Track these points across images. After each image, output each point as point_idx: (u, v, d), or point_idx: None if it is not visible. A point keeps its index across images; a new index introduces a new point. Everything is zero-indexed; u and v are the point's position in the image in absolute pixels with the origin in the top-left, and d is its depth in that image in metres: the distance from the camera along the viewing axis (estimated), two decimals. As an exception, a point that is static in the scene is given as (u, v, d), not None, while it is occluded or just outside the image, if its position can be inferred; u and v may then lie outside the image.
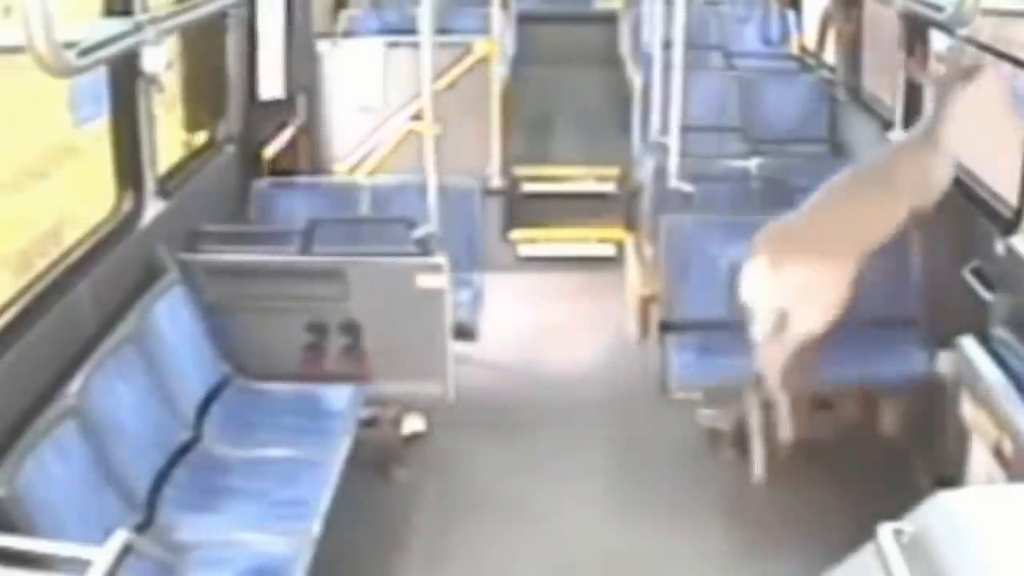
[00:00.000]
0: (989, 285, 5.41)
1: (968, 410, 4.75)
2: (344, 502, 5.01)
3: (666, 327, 6.30)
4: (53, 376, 4.48)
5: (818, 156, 8.35)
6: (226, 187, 6.84)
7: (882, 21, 7.71)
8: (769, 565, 5.56)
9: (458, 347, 6.16)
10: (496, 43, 8.94)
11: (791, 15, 10.28)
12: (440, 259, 5.85)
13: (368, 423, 6.01)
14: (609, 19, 12.07)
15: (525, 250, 9.24)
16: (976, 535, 2.88)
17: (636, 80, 8.83)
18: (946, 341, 5.29)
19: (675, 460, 6.45)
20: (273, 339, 5.83)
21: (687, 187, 6.93)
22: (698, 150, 7.45)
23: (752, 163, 7.63)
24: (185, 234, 5.84)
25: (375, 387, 5.87)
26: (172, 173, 6.18)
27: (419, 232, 5.98)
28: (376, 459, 6.13)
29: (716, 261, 6.28)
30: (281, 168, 7.62)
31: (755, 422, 6.05)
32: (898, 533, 2.99)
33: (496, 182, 8.80)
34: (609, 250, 9.09)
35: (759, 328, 5.73)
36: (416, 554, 5.70)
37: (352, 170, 8.64)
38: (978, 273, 5.53)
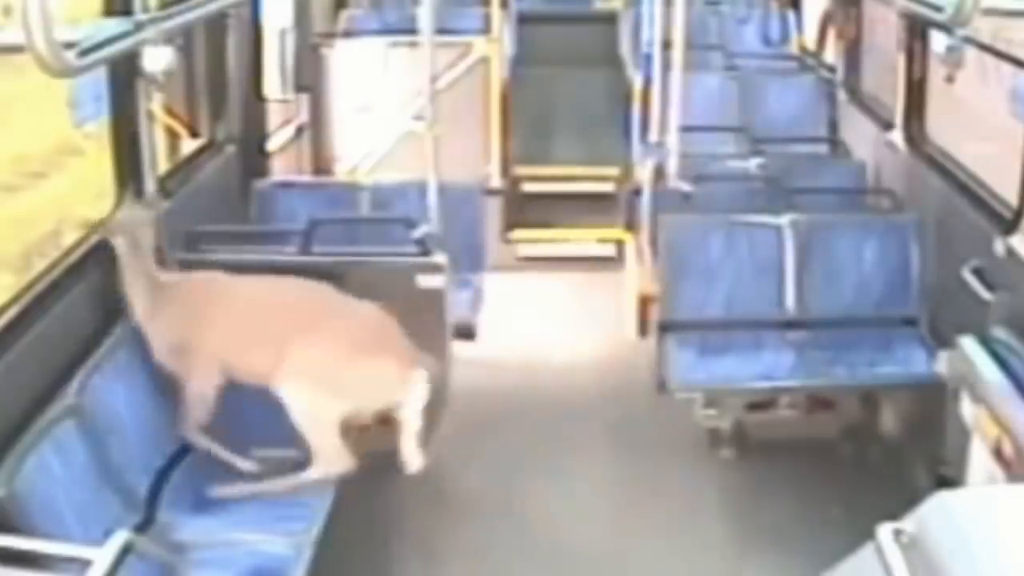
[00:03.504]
0: (989, 285, 5.41)
1: (968, 410, 4.75)
2: (344, 502, 5.01)
3: (666, 327, 6.29)
4: (53, 376, 4.48)
5: (818, 156, 8.35)
6: (226, 187, 6.83)
7: (882, 21, 7.71)
8: (769, 565, 5.56)
9: (458, 347, 6.15)
10: (496, 43, 8.94)
11: (791, 15, 10.27)
12: (440, 259, 5.84)
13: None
14: (609, 19, 12.03)
15: (525, 250, 9.23)
16: (976, 535, 2.88)
17: (636, 80, 8.82)
18: (946, 341, 5.29)
19: (674, 460, 6.45)
20: None
21: (687, 187, 6.94)
22: (698, 150, 7.44)
23: (752, 163, 7.63)
24: (185, 234, 5.84)
25: None
26: (172, 173, 6.18)
27: (419, 232, 5.98)
28: (376, 459, 6.12)
29: (716, 261, 6.29)
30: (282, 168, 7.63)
31: None
32: (898, 533, 3.00)
33: (496, 182, 8.79)
34: (609, 250, 9.09)
35: None
36: (416, 554, 5.69)
37: (352, 170, 8.63)
38: (978, 273, 5.53)
